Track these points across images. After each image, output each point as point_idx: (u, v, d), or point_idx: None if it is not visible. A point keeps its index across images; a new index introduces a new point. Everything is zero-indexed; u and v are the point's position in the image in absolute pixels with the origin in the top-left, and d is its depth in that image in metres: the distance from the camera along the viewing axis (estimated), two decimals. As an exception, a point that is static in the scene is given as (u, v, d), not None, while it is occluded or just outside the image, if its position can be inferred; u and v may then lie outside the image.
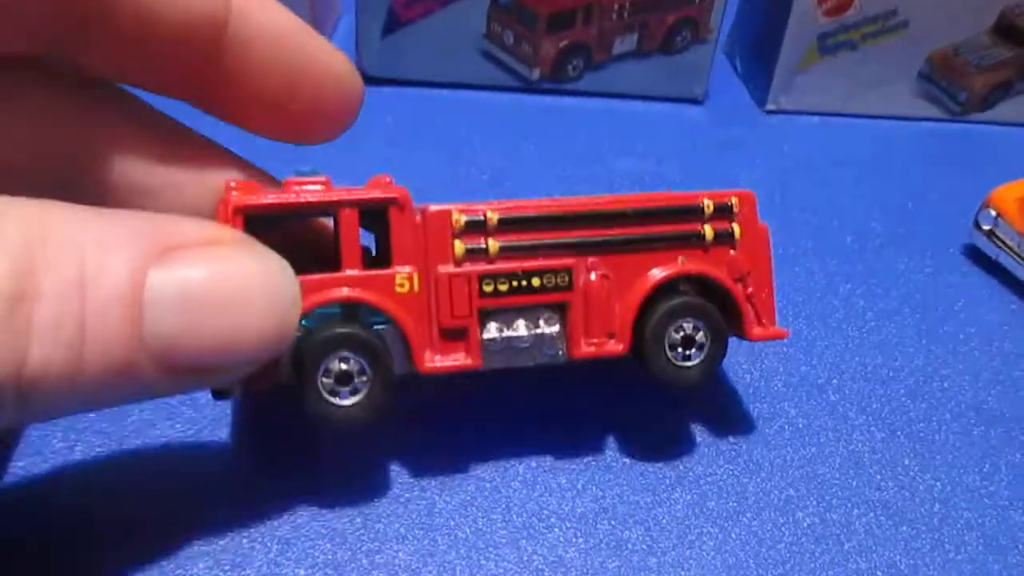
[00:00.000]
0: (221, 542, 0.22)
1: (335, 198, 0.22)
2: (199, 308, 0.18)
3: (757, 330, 0.25)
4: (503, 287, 0.23)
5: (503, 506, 0.24)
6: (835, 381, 0.30)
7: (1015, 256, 0.35)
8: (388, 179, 0.23)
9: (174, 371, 0.18)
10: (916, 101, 0.47)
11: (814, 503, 0.25)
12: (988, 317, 0.34)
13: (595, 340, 0.24)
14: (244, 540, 0.23)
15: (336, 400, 0.22)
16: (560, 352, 0.24)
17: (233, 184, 0.22)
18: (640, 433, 0.27)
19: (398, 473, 0.25)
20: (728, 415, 0.28)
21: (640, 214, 0.24)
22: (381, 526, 0.23)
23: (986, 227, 0.36)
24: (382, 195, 0.22)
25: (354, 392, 0.22)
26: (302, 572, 0.22)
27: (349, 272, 0.22)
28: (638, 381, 0.27)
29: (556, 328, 0.24)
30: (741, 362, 0.30)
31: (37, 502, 0.23)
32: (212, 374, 0.19)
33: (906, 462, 0.27)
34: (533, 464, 0.26)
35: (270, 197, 0.21)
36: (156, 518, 0.23)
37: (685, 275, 0.24)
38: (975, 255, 0.37)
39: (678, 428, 0.27)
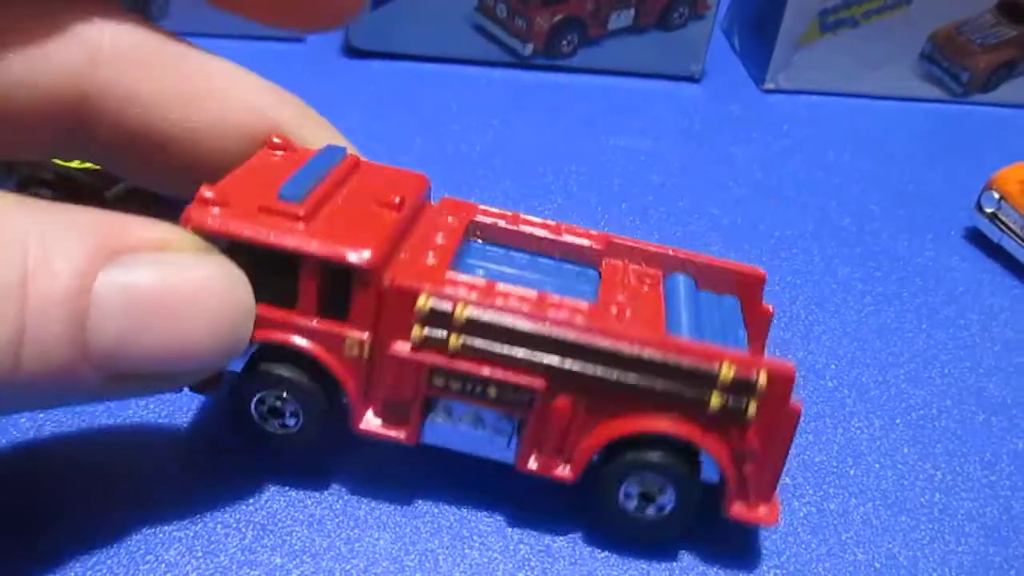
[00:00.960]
0: (194, 528, 0.21)
1: (303, 250, 0.20)
2: (146, 314, 0.17)
3: (737, 507, 0.21)
4: (455, 385, 0.21)
5: (489, 494, 0.23)
6: (833, 367, 0.29)
7: (1018, 239, 0.34)
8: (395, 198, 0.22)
9: (118, 378, 0.18)
10: (918, 82, 0.46)
11: (810, 492, 0.25)
12: (990, 301, 0.33)
13: (545, 460, 0.22)
14: (218, 526, 0.22)
15: (266, 425, 0.22)
16: (507, 456, 0.22)
17: (207, 193, 0.20)
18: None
19: (380, 458, 0.24)
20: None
21: (635, 362, 0.20)
22: (361, 513, 0.22)
23: (989, 209, 0.35)
24: (352, 262, 0.20)
25: (283, 426, 0.22)
26: (278, 559, 0.21)
27: (301, 320, 0.21)
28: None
29: (505, 438, 0.21)
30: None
31: (3, 482, 0.22)
32: (157, 381, 0.19)
33: (905, 450, 0.26)
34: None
35: (233, 226, 0.20)
36: (127, 501, 0.22)
37: (668, 435, 0.21)
38: (976, 238, 0.36)
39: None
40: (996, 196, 0.35)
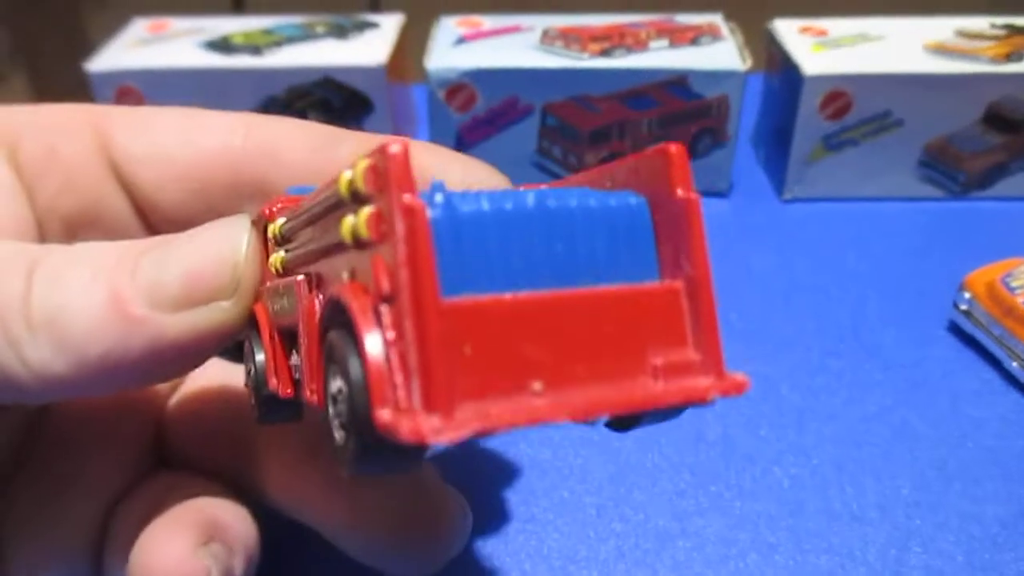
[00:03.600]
0: None
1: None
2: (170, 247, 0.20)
3: (384, 413, 0.14)
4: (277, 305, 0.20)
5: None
6: (818, 446, 0.37)
7: (987, 333, 0.41)
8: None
9: (167, 305, 0.19)
10: (919, 184, 0.53)
11: (791, 547, 0.32)
12: (962, 387, 0.40)
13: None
14: None
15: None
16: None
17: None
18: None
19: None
20: (725, 477, 0.35)
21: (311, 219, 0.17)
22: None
23: (963, 307, 0.42)
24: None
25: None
26: None
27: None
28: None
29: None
30: (741, 432, 0.37)
31: None
32: (203, 306, 0.20)
33: (871, 514, 0.34)
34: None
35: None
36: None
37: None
38: (956, 330, 0.43)
39: (679, 484, 0.35)
40: (967, 296, 0.42)
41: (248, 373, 0.21)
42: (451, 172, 0.25)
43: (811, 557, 0.32)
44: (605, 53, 0.50)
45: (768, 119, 0.56)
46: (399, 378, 0.14)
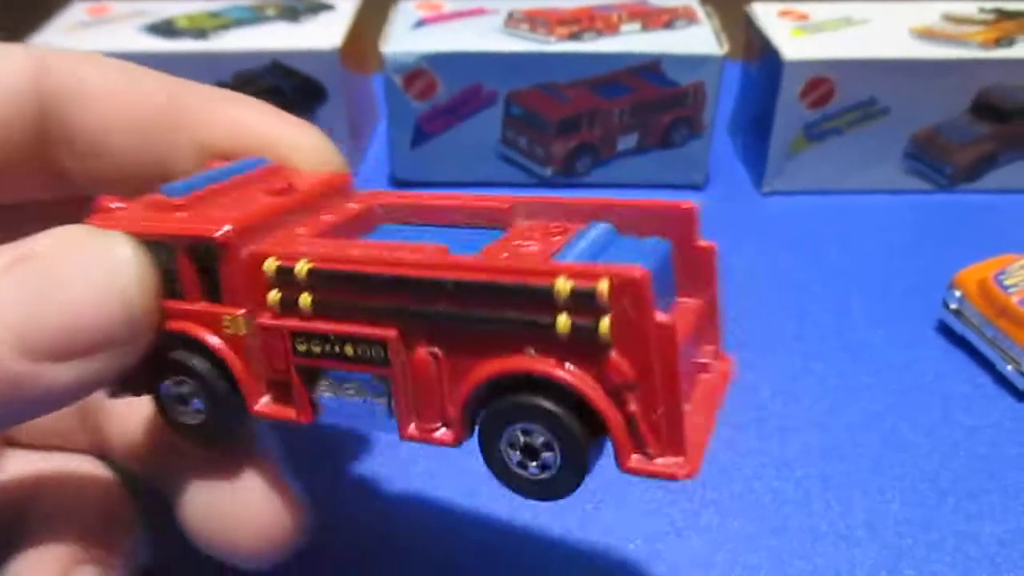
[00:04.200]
0: None
1: (167, 231, 0.21)
2: (40, 281, 0.18)
3: (635, 460, 0.19)
4: (316, 349, 0.20)
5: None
6: (803, 458, 0.34)
7: (979, 334, 0.38)
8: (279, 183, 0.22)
9: (37, 354, 0.18)
10: (905, 177, 0.50)
11: (773, 570, 0.30)
12: (953, 391, 0.37)
13: (424, 425, 0.20)
14: None
15: (180, 417, 0.23)
16: (391, 427, 0.21)
17: (106, 202, 0.22)
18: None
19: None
20: (702, 493, 0.32)
21: (469, 289, 0.18)
22: None
23: (953, 306, 0.39)
24: (209, 237, 0.20)
25: (195, 412, 0.22)
26: None
27: (188, 306, 0.21)
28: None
29: (383, 401, 0.20)
30: (721, 444, 0.34)
31: None
32: (81, 355, 0.19)
33: (859, 533, 0.31)
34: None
35: (114, 222, 0.21)
36: None
37: (525, 372, 0.19)
38: (946, 330, 0.40)
39: (651, 501, 0.32)
40: (958, 294, 0.39)
41: (190, 391, 0.22)
42: (285, 136, 0.24)
43: (795, 582, 0.29)
44: (574, 37, 0.47)
45: (746, 108, 0.53)
46: (649, 436, 0.18)
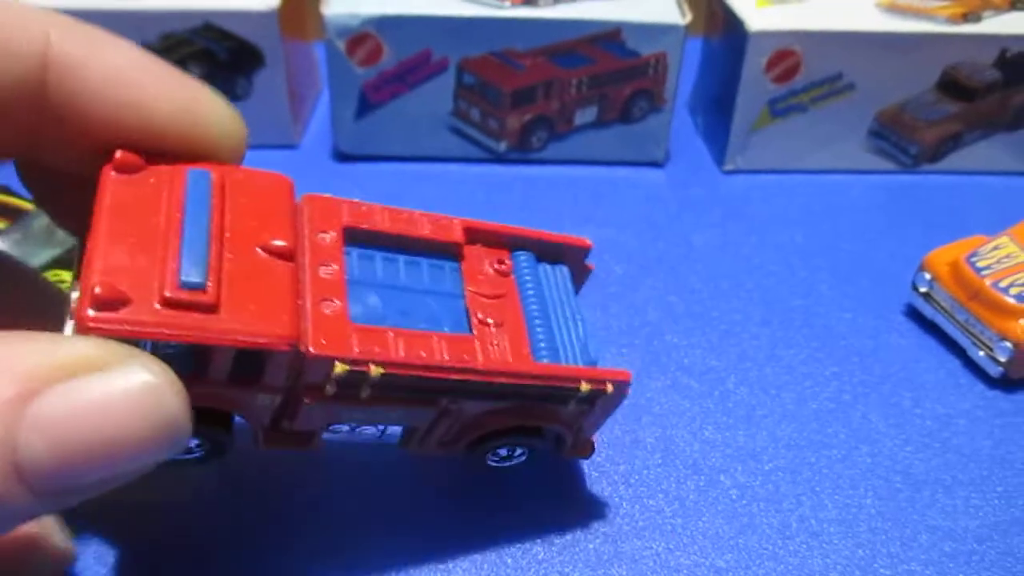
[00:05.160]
0: None
1: (224, 342, 0.20)
2: (79, 437, 0.17)
3: (569, 452, 0.28)
4: (359, 416, 0.24)
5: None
6: (770, 450, 0.32)
7: (950, 318, 0.37)
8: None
9: (53, 495, 0.18)
10: (868, 156, 0.49)
11: (742, 570, 0.28)
12: (924, 378, 0.36)
13: (433, 448, 0.27)
14: None
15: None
16: (397, 444, 0.26)
17: (97, 290, 0.19)
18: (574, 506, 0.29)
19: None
20: (665, 488, 0.30)
21: (514, 388, 0.25)
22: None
23: (923, 289, 0.38)
24: (271, 348, 0.21)
25: (188, 451, 0.24)
26: None
27: (211, 387, 0.22)
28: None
29: (399, 430, 0.26)
30: (684, 435, 0.32)
31: None
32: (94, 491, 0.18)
33: (831, 530, 0.29)
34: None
35: (146, 328, 0.20)
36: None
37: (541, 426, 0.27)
38: (915, 314, 0.39)
39: (612, 498, 0.30)
40: (928, 277, 0.38)
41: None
42: (103, 56, 0.22)
43: (765, 585, 0.27)
44: (529, 2, 0.45)
45: (708, 83, 0.51)
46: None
